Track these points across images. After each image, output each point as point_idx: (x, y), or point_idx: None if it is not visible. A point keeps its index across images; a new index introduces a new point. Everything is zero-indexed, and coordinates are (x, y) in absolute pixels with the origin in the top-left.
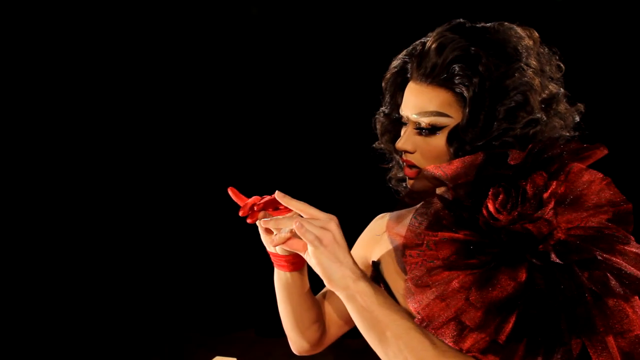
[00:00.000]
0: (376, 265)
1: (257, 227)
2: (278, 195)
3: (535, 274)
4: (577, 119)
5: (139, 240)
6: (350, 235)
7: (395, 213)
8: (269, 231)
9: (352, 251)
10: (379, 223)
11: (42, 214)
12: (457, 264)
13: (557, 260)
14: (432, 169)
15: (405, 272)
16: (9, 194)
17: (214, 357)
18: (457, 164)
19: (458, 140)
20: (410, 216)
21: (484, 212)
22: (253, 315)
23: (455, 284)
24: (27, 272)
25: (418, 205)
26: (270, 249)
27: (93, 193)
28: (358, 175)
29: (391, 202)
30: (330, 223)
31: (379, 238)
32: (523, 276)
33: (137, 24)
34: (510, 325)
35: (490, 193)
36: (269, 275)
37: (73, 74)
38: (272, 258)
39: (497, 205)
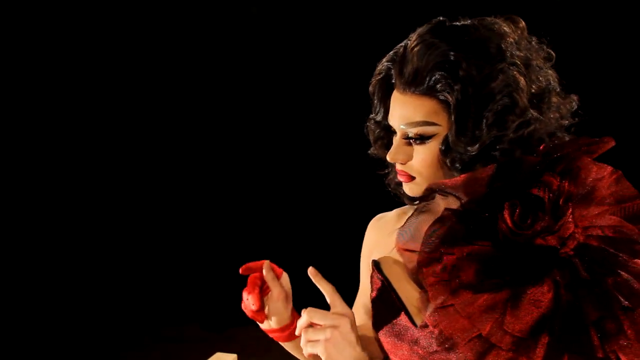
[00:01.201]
0: (377, 264)
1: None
2: (311, 272)
3: (561, 290)
4: (575, 106)
5: (138, 238)
6: (349, 237)
7: (396, 218)
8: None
9: (361, 266)
10: (378, 225)
11: (41, 214)
12: (481, 286)
13: (586, 276)
14: (444, 183)
15: (417, 283)
16: (9, 193)
17: (214, 353)
18: (467, 177)
19: (451, 151)
20: (410, 216)
21: (503, 226)
22: None
23: (480, 302)
24: (26, 271)
25: (421, 205)
26: (264, 326)
27: (92, 192)
28: (356, 177)
29: (387, 204)
30: (341, 319)
31: (377, 240)
32: (550, 295)
33: (136, 24)
34: (543, 345)
35: (506, 205)
36: None
37: (73, 74)
38: (270, 335)
39: (516, 220)
